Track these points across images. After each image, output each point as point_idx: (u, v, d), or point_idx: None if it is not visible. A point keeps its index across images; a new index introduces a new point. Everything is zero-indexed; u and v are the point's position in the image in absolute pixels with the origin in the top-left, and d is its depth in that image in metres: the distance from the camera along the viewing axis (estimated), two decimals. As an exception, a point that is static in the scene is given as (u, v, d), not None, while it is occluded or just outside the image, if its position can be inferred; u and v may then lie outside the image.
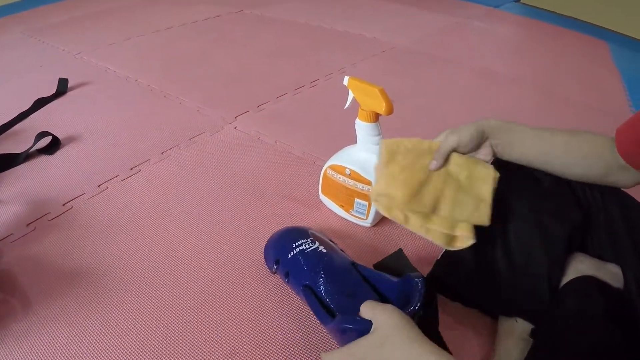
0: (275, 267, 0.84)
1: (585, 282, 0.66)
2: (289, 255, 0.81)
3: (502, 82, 1.76)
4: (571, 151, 0.68)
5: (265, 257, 0.88)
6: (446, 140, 0.69)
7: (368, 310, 0.60)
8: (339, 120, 1.38)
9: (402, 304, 0.64)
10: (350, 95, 0.88)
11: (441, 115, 1.51)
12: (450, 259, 0.78)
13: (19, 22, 2.28)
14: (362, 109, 0.86)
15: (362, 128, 0.87)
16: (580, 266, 0.68)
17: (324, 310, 0.71)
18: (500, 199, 0.69)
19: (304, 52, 2.00)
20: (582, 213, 0.70)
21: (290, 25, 2.32)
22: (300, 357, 0.74)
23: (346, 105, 0.89)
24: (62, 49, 1.93)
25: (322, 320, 0.70)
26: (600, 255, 0.70)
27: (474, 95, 1.66)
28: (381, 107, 0.82)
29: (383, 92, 0.82)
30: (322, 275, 0.75)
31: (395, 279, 0.72)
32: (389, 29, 2.30)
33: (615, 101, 1.65)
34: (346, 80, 0.87)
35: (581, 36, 2.31)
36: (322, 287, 0.74)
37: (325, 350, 0.74)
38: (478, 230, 0.68)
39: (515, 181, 0.73)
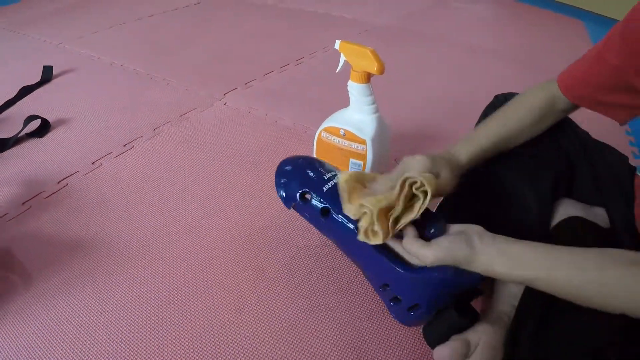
0: (300, 201, 0.66)
1: (575, 221, 0.69)
2: (325, 188, 0.64)
3: (486, 57, 1.78)
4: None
5: (283, 188, 0.69)
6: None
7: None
8: (327, 93, 1.41)
9: None
10: (342, 59, 0.89)
11: (430, 87, 1.53)
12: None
13: (1, 16, 2.24)
14: (354, 71, 0.87)
15: (355, 89, 0.89)
16: (570, 209, 0.71)
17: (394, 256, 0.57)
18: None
19: (287, 33, 2.01)
20: (566, 162, 0.73)
21: (272, 9, 2.33)
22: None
23: (338, 69, 0.91)
24: (44, 40, 1.91)
25: (396, 268, 0.56)
26: (586, 201, 0.73)
27: (461, 69, 1.69)
28: (373, 67, 0.84)
29: (374, 53, 0.84)
30: None
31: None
32: (368, 10, 2.32)
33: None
34: (337, 44, 0.89)
35: (557, 15, 2.36)
36: None
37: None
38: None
39: None
